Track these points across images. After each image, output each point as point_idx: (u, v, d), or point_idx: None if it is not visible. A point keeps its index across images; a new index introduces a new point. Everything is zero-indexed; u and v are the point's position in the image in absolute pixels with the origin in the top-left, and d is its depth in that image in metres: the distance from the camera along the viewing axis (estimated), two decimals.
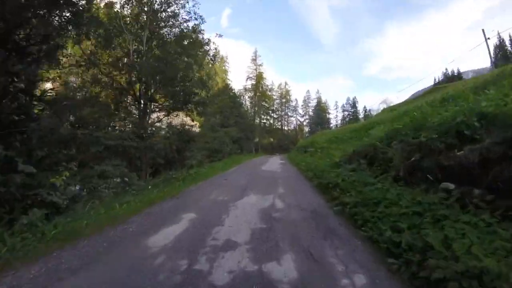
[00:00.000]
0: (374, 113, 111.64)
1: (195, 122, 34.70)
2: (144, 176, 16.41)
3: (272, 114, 78.12)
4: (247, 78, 66.96)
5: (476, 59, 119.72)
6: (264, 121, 71.75)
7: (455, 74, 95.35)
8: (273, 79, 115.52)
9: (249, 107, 65.77)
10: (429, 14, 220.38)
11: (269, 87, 74.83)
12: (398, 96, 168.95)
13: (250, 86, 66.72)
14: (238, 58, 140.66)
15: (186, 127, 17.39)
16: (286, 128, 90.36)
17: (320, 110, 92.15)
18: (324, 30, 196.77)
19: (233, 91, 42.18)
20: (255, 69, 66.58)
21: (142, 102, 16.28)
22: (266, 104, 72.61)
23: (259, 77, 67.24)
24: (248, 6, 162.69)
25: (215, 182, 12.30)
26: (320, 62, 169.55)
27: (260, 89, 67.36)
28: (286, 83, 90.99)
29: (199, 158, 16.59)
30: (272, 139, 74.95)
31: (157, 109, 18.38)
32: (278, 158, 30.07)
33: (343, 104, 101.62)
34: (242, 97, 60.65)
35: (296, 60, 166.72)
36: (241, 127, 36.96)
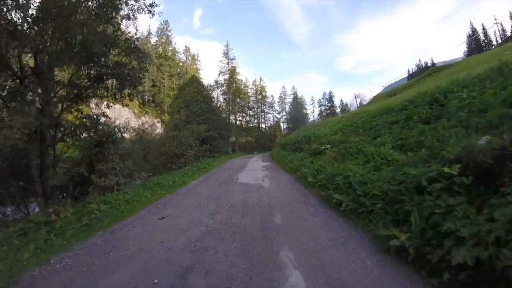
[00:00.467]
0: (350, 107, 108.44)
1: (156, 120, 27.14)
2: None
3: (249, 112, 71.14)
4: (220, 73, 59.59)
5: (445, 50, 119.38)
6: (240, 118, 64.64)
7: (429, 65, 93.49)
8: (247, 77, 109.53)
9: (223, 104, 58.56)
10: (400, 8, 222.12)
11: (244, 82, 67.81)
12: (372, 90, 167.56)
13: (223, 81, 59.48)
14: (211, 60, 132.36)
15: (102, 119, 9.99)
16: (263, 125, 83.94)
17: (298, 105, 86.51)
18: (296, 28, 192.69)
19: (202, 82, 34.77)
20: (228, 63, 59.38)
21: (21, 76, 8.80)
22: (241, 102, 65.47)
23: (233, 72, 60.10)
24: (219, 7, 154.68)
25: (126, 237, 5.27)
26: (294, 60, 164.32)
27: (234, 85, 60.20)
28: (261, 79, 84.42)
29: (125, 171, 9.37)
30: (250, 138, 68.36)
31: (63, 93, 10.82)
32: (259, 159, 23.37)
33: (319, 99, 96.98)
34: (214, 91, 53.33)
35: (270, 59, 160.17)
36: (214, 124, 29.77)
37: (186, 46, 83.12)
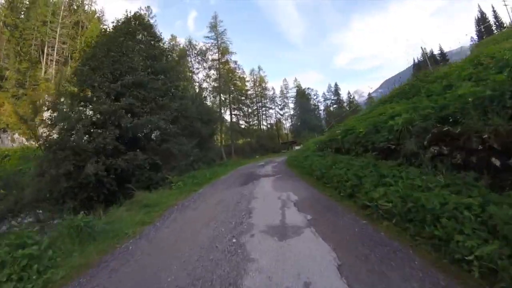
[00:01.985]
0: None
1: None
2: None
3: (247, 103, 52.83)
4: (206, 50, 41.63)
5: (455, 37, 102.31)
6: (236, 112, 46.43)
7: (434, 54, 75.99)
8: (243, 70, 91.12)
9: (210, 93, 40.75)
10: (392, 4, 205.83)
11: (238, 64, 49.33)
12: (371, 86, 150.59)
13: (211, 63, 41.54)
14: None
15: None
16: (265, 123, 66.05)
17: (303, 97, 68.90)
18: (292, 28, 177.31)
19: (151, 24, 16.76)
20: (216, 38, 41.45)
21: None
22: (237, 93, 47.14)
23: (224, 51, 42.27)
24: (213, 8, 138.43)
25: None
26: (291, 59, 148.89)
27: (226, 66, 42.34)
28: (260, 68, 66.56)
29: None
30: (250, 139, 50.65)
31: None
32: (289, 192, 5.61)
33: (323, 93, 79.44)
34: (187, 57, 35.37)
35: (267, 59, 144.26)
36: (167, 106, 11.86)
37: (172, 35, 65.28)
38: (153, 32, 15.39)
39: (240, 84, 47.38)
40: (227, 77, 41.91)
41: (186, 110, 14.12)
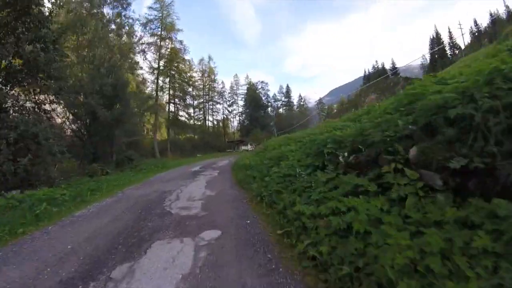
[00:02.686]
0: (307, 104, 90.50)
1: None
2: None
3: (191, 94, 45.62)
4: (147, 22, 33.21)
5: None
6: (177, 101, 38.84)
7: (385, 68, 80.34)
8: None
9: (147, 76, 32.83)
10: (347, 17, 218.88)
11: (185, 46, 41.73)
12: (316, 92, 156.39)
13: (150, 39, 33.36)
14: None
15: None
16: (211, 118, 59.60)
17: (256, 93, 64.73)
18: (249, 27, 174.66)
19: None
20: (161, 9, 33.50)
21: None
22: (181, 80, 39.50)
23: (169, 28, 34.54)
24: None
25: None
26: (244, 58, 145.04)
27: (170, 45, 34.70)
28: (210, 58, 59.82)
29: None
30: (192, 135, 44.10)
31: None
32: None
33: (274, 93, 76.07)
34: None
35: (219, 55, 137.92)
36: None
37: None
38: None
39: (184, 67, 39.81)
40: (170, 57, 34.33)
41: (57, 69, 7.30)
